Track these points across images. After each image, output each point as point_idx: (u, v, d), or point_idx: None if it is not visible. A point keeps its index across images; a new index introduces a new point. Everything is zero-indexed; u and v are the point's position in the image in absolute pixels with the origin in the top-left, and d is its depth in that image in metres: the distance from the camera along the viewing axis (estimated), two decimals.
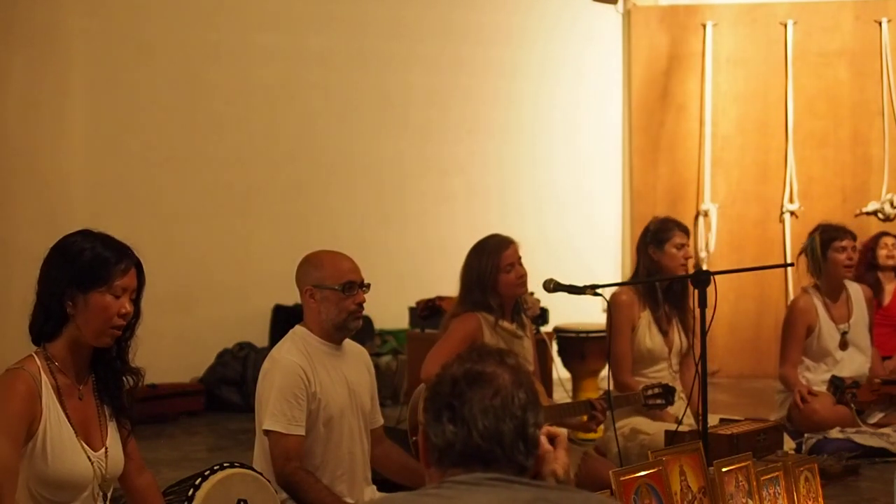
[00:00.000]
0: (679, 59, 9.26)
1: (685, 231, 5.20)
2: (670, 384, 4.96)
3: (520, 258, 4.66)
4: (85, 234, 2.83)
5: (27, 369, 2.73)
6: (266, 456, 3.55)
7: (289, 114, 8.29)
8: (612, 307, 5.11)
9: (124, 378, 2.89)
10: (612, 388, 5.15)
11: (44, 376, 2.74)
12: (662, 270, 5.10)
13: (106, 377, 2.87)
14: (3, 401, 2.67)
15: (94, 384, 2.87)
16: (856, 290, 6.03)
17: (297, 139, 8.33)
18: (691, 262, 5.31)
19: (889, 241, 7.00)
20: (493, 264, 4.60)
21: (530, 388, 1.88)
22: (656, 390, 4.83)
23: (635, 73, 9.32)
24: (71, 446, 2.75)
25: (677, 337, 5.16)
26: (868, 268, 6.79)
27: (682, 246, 5.11)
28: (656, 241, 5.13)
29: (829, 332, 5.90)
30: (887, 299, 6.82)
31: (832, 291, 5.95)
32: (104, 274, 2.75)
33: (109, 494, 2.89)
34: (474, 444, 1.82)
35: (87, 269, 2.75)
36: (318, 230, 7.80)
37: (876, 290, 6.58)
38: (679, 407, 4.81)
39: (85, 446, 2.78)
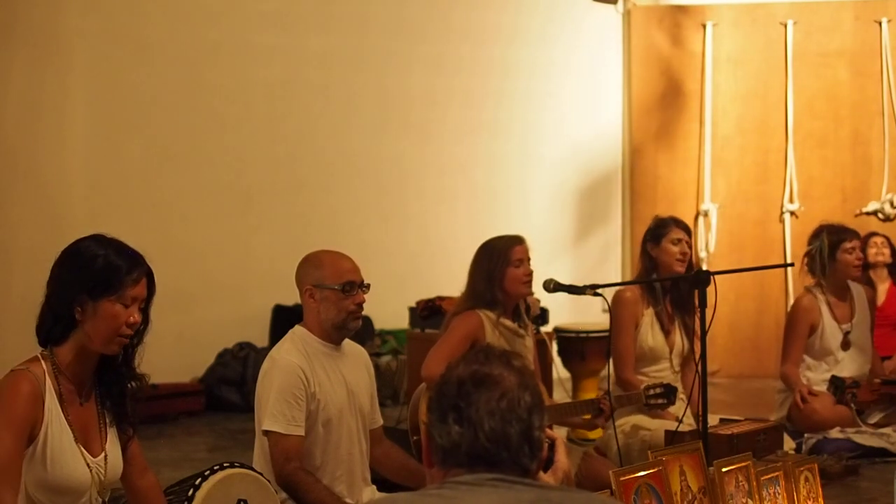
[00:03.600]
0: (679, 59, 9.26)
1: (683, 227, 5.21)
2: (672, 384, 4.97)
3: (529, 258, 4.68)
4: (98, 240, 2.80)
5: (32, 371, 2.71)
6: (266, 456, 3.55)
7: (289, 114, 8.28)
8: (616, 304, 5.14)
9: (129, 384, 2.88)
10: (613, 384, 5.17)
11: (48, 380, 2.73)
12: (660, 266, 5.13)
13: (110, 383, 2.86)
14: (8, 401, 2.66)
15: (97, 389, 2.86)
16: (859, 291, 6.05)
17: (297, 139, 8.32)
18: (693, 259, 5.32)
19: (878, 240, 7.05)
20: (502, 258, 4.62)
21: (535, 391, 1.88)
22: (658, 390, 4.84)
23: (635, 73, 9.32)
24: (70, 452, 2.74)
25: (679, 338, 5.17)
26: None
27: (678, 241, 5.12)
28: (654, 237, 5.17)
29: (831, 332, 5.91)
30: (881, 299, 6.84)
31: (838, 291, 5.96)
32: (115, 283, 2.73)
33: (107, 499, 2.87)
34: (481, 445, 1.82)
35: (98, 276, 2.72)
36: (318, 230, 7.79)
37: None
38: (679, 407, 4.81)
39: (84, 452, 2.77)
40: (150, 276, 2.82)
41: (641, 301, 5.16)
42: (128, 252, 2.80)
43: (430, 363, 4.50)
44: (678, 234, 5.14)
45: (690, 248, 5.21)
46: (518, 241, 4.70)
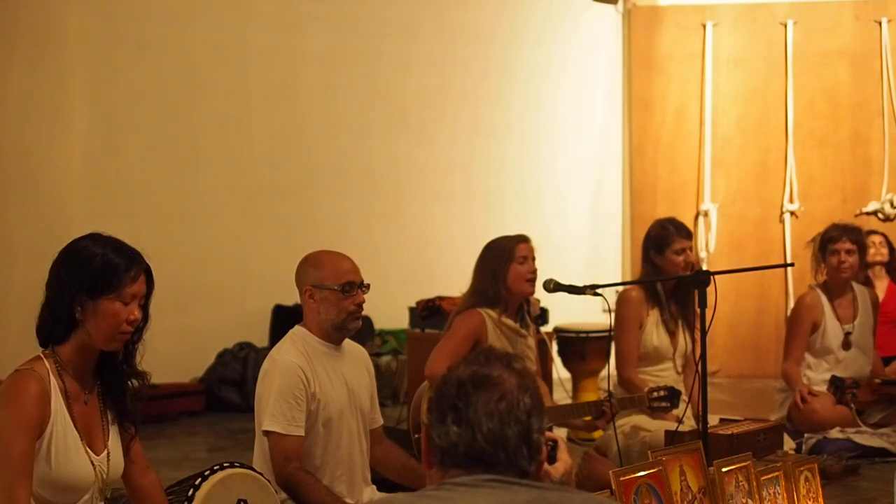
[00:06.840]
0: (679, 59, 9.26)
1: (685, 235, 5.22)
2: (675, 385, 4.97)
3: (534, 257, 4.69)
4: (95, 239, 2.81)
5: (37, 371, 2.72)
6: (266, 456, 3.55)
7: (289, 114, 8.28)
8: (621, 303, 5.17)
9: (130, 381, 2.89)
10: (615, 383, 5.17)
11: (52, 379, 2.74)
12: (663, 274, 5.15)
13: (111, 381, 2.87)
14: (17, 400, 2.67)
15: (98, 388, 2.87)
16: (862, 293, 6.03)
17: (297, 139, 8.33)
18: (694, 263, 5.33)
19: (876, 238, 7.02)
20: (507, 254, 4.63)
21: (535, 394, 1.89)
22: (661, 393, 4.84)
23: (635, 73, 9.33)
24: (75, 450, 2.75)
25: (682, 338, 5.18)
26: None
27: (681, 251, 5.14)
28: (657, 247, 5.18)
29: (833, 331, 5.90)
30: (880, 297, 6.82)
31: (839, 291, 5.95)
32: (114, 281, 2.74)
33: (109, 497, 2.88)
34: (478, 446, 1.82)
35: (97, 275, 2.74)
36: (317, 230, 7.79)
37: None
38: (680, 407, 4.81)
39: (88, 450, 2.78)
40: (148, 272, 2.83)
41: (647, 301, 5.18)
42: (125, 250, 2.81)
43: (432, 362, 4.51)
44: (681, 243, 5.16)
45: (692, 251, 5.23)
46: (523, 239, 4.72)
